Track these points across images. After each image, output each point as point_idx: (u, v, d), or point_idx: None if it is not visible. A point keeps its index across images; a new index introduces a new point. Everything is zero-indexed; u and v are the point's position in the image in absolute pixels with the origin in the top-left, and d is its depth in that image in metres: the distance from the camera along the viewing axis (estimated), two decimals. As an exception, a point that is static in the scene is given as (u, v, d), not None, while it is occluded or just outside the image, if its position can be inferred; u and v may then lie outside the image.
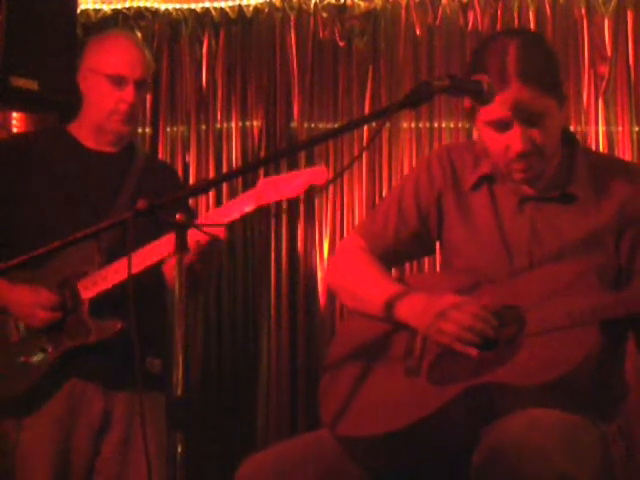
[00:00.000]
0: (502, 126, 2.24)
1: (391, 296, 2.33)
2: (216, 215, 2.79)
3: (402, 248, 2.51)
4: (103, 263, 2.87)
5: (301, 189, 2.68)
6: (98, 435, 2.93)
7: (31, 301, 2.86)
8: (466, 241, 2.39)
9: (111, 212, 2.91)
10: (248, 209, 2.71)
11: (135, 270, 2.72)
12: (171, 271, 2.84)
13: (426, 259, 4.00)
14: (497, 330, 2.20)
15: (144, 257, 2.73)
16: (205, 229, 2.54)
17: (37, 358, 2.88)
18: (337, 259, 2.59)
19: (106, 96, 2.97)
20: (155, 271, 2.83)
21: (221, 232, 2.72)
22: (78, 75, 3.06)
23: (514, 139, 2.22)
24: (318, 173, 2.69)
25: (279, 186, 2.65)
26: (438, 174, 2.45)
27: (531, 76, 2.17)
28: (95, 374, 2.91)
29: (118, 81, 2.96)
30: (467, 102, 2.27)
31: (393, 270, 3.17)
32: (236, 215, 2.72)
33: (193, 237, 2.69)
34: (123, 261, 2.79)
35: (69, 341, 2.86)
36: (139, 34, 4.36)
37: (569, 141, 2.39)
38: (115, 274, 2.82)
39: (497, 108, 2.21)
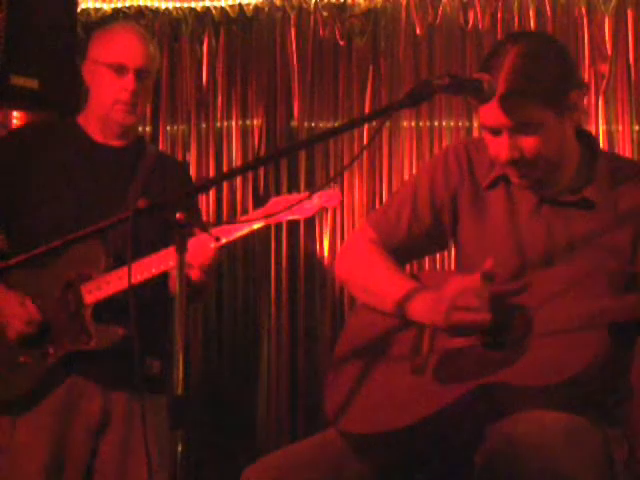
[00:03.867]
0: (494, 131, 2.25)
1: (404, 293, 2.33)
2: (225, 230, 2.80)
3: (415, 244, 2.50)
4: (109, 267, 2.86)
5: (313, 211, 2.70)
6: (96, 434, 2.92)
7: (11, 312, 2.84)
8: (479, 239, 2.39)
9: (121, 209, 2.90)
10: (257, 226, 2.74)
11: (139, 279, 2.74)
12: (175, 284, 2.83)
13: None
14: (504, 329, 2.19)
15: (148, 266, 2.73)
16: (203, 233, 2.54)
17: (37, 359, 2.86)
18: (348, 250, 2.57)
19: (107, 85, 2.97)
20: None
21: (210, 252, 2.73)
22: (83, 67, 3.06)
23: (502, 146, 2.23)
24: (331, 196, 2.71)
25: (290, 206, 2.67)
26: (455, 170, 2.44)
27: (523, 89, 2.17)
28: (94, 373, 2.89)
29: (119, 70, 2.95)
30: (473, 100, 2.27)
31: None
32: (245, 231, 2.75)
33: (197, 256, 2.70)
34: (127, 268, 2.79)
35: (70, 345, 2.85)
36: (140, 32, 4.37)
37: (589, 144, 2.38)
38: (119, 280, 2.81)
39: (488, 114, 2.23)
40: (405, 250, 2.50)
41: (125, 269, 2.79)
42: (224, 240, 2.77)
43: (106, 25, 3.19)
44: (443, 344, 2.25)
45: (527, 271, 2.28)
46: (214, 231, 2.75)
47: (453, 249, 2.54)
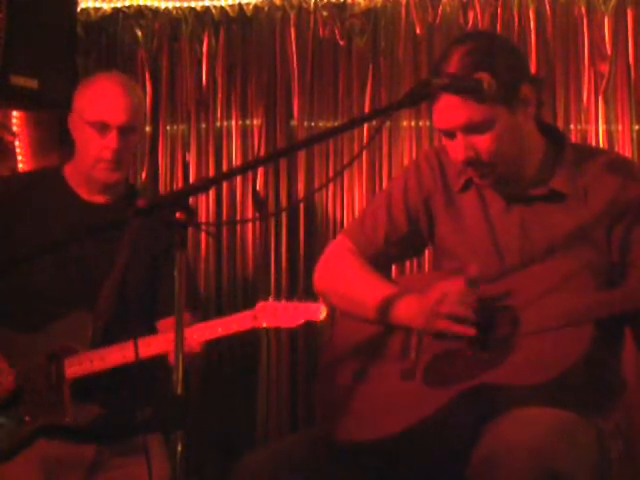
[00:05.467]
0: (449, 134, 2.25)
1: (385, 298, 2.33)
2: (210, 327, 2.84)
3: (392, 251, 2.51)
4: (96, 343, 2.85)
5: (298, 322, 2.75)
6: (90, 472, 2.89)
7: None
8: (456, 242, 2.40)
9: (105, 274, 2.86)
10: (242, 328, 2.77)
11: (129, 360, 2.73)
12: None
13: (427, 258, 3.99)
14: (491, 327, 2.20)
15: (143, 347, 2.69)
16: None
17: (13, 423, 2.85)
18: (326, 262, 2.59)
19: (90, 143, 2.92)
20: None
21: (197, 348, 2.79)
22: (69, 119, 3.02)
23: (457, 147, 2.24)
24: (316, 310, 2.76)
25: (277, 314, 2.76)
26: (427, 176, 2.46)
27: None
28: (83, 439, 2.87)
29: (101, 128, 2.90)
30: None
31: (394, 268, 3.15)
32: (229, 331, 2.80)
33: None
34: (111, 349, 2.80)
35: (45, 417, 2.83)
36: (139, 33, 4.36)
37: (553, 135, 2.38)
38: (101, 361, 2.81)
39: (440, 118, 2.23)
40: (383, 258, 2.52)
41: (107, 350, 2.80)
42: (207, 338, 2.83)
43: (91, 76, 3.11)
44: (430, 347, 2.26)
45: (507, 271, 2.29)
46: (201, 326, 2.81)
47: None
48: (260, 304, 2.83)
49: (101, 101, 2.93)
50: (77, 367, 2.82)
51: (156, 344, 2.76)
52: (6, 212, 2.98)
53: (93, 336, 2.85)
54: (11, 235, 2.95)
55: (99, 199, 3.01)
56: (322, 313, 2.78)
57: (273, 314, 2.79)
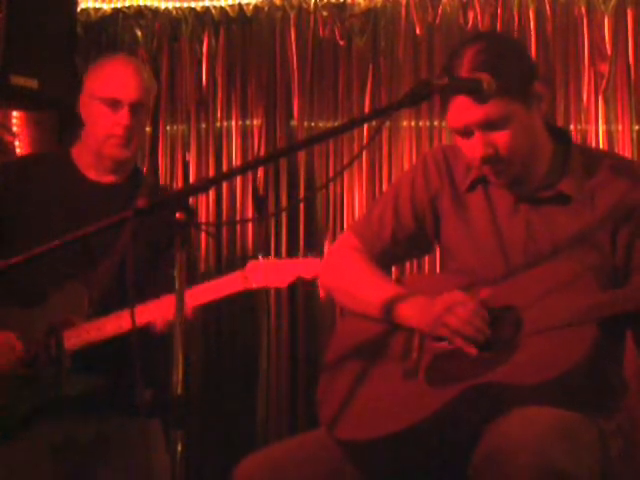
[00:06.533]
0: (465, 132, 2.25)
1: (389, 297, 2.33)
2: (201, 291, 2.80)
3: (398, 250, 2.51)
4: (91, 315, 2.85)
5: (289, 279, 2.72)
6: (91, 461, 2.89)
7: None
8: (462, 242, 2.40)
9: (107, 253, 2.87)
10: (233, 290, 2.75)
11: (125, 329, 2.73)
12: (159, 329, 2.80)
13: (427, 258, 4.00)
14: (492, 328, 2.20)
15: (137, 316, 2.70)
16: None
17: (16, 399, 2.83)
18: (332, 259, 2.58)
19: (102, 120, 2.94)
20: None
21: (189, 313, 2.71)
22: (79, 102, 3.03)
23: (475, 145, 2.23)
24: (309, 265, 2.73)
25: (268, 273, 2.72)
26: (434, 175, 2.45)
27: None
28: (84, 407, 2.86)
29: (112, 104, 2.92)
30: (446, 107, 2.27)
31: (393, 269, 3.15)
32: (221, 294, 2.76)
33: (166, 317, 2.70)
34: (107, 319, 2.80)
35: (47, 391, 2.82)
36: (139, 33, 4.37)
37: (561, 138, 2.39)
38: (98, 331, 2.80)
39: (456, 116, 2.23)
40: (389, 256, 2.51)
41: (103, 320, 2.80)
42: (198, 303, 2.79)
43: (101, 58, 3.13)
44: (433, 346, 2.26)
45: (512, 271, 2.29)
46: (191, 291, 2.75)
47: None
48: (250, 263, 2.80)
49: (113, 78, 2.96)
50: (75, 339, 2.82)
51: (149, 312, 2.74)
52: (10, 196, 2.99)
53: (89, 308, 2.85)
54: (16, 218, 2.95)
55: (108, 179, 3.02)
56: (315, 268, 2.74)
57: (264, 273, 2.76)
